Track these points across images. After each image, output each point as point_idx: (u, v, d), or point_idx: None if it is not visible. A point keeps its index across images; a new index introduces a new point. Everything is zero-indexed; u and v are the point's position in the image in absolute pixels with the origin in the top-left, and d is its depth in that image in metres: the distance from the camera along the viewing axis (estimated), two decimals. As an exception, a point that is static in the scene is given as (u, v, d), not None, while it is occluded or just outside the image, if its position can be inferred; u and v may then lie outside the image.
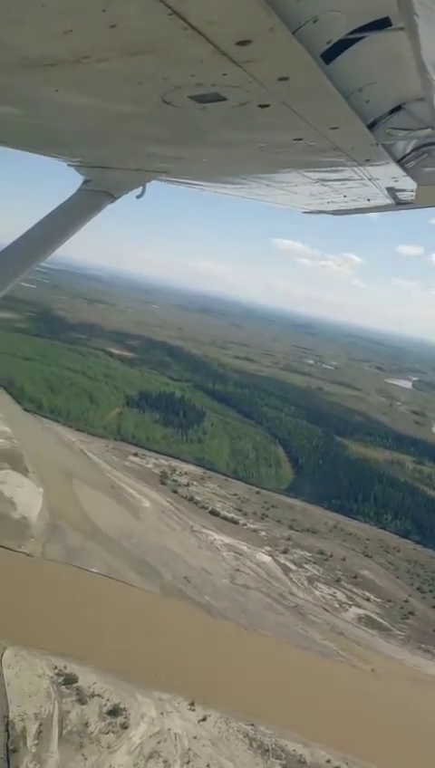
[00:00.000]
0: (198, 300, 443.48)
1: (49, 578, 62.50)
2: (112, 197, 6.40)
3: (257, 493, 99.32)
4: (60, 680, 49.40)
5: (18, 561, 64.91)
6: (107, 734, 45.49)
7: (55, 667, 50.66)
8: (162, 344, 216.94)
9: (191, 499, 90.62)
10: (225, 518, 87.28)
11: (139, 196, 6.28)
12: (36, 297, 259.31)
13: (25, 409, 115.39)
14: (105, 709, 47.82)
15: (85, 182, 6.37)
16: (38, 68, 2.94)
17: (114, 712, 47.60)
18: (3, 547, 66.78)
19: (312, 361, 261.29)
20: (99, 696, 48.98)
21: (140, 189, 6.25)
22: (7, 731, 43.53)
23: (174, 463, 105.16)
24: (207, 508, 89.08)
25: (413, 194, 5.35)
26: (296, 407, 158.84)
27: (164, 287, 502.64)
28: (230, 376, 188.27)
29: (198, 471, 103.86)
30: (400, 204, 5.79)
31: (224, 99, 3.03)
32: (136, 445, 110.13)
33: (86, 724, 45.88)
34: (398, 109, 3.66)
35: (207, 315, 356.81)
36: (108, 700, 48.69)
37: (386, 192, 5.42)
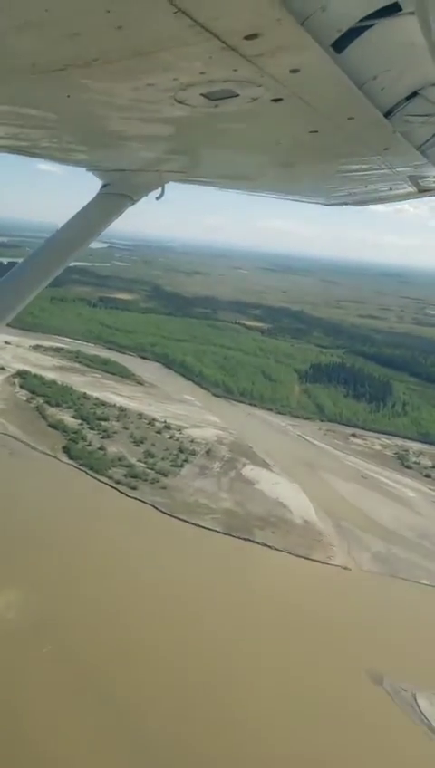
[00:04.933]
0: (279, 260, 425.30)
1: (392, 599, 52.93)
2: (132, 200, 6.33)
3: None
4: None
5: (340, 578, 55.65)
6: None
7: None
8: (284, 310, 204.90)
9: (453, 483, 79.13)
10: None
11: (158, 198, 6.17)
12: (138, 275, 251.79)
13: (214, 395, 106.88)
14: None
15: (104, 186, 6.30)
16: (48, 74, 2.80)
17: None
18: (313, 560, 57.98)
19: (434, 312, 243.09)
20: None
21: (159, 191, 6.15)
22: None
23: (398, 441, 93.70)
24: (476, 492, 77.42)
25: None
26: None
27: (241, 251, 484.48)
28: (372, 337, 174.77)
29: (431, 449, 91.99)
30: (423, 191, 5.58)
31: (236, 95, 2.94)
32: (344, 424, 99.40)
33: None
34: (414, 95, 3.55)
35: (295, 275, 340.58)
36: None
37: (408, 180, 5.18)
